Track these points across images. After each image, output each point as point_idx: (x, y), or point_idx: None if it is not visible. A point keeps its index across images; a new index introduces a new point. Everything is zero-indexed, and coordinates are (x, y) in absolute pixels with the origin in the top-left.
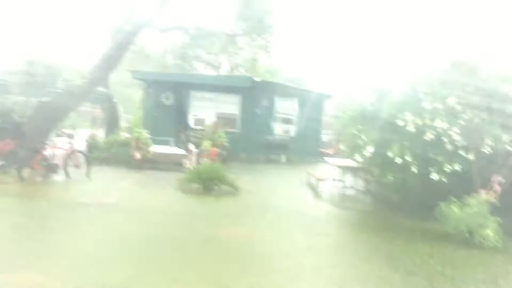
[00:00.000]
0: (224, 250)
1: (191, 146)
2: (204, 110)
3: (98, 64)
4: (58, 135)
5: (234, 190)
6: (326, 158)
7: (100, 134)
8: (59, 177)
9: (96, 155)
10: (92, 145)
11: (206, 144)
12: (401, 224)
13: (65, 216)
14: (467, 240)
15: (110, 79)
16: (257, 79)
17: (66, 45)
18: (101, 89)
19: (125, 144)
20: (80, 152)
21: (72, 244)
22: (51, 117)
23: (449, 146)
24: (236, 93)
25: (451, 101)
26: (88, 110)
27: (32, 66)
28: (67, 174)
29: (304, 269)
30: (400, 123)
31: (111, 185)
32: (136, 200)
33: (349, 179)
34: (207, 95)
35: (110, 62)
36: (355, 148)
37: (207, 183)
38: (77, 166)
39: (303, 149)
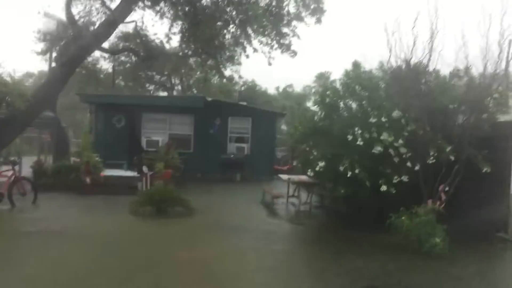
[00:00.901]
0: (176, 272)
1: (144, 169)
2: (157, 132)
3: (42, 88)
4: (2, 163)
5: (188, 211)
6: (280, 175)
7: (50, 160)
8: (3, 206)
9: (44, 181)
10: (39, 172)
11: (159, 165)
12: (354, 238)
13: (6, 246)
14: (417, 249)
15: (60, 103)
16: (209, 99)
17: (6, 68)
18: (48, 113)
19: (75, 169)
20: (26, 179)
21: (12, 276)
22: None
23: (396, 158)
24: (189, 113)
25: (396, 114)
26: (36, 136)
27: None
28: (12, 202)
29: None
30: (349, 137)
31: (59, 212)
32: (85, 226)
33: (303, 195)
34: (159, 116)
35: (55, 85)
36: (307, 163)
37: (160, 205)
38: (22, 194)
39: (258, 167)
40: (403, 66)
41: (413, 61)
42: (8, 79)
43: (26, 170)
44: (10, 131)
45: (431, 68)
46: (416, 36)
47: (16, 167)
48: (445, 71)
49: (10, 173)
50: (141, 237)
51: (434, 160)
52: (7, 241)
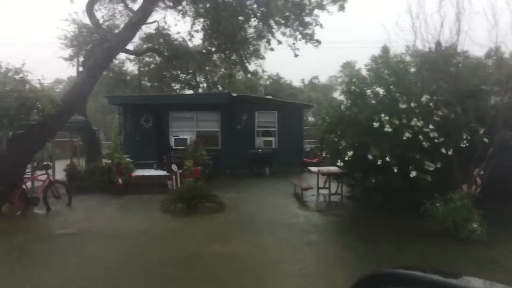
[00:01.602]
0: (210, 267)
1: (174, 167)
2: (185, 130)
3: (72, 92)
4: (36, 168)
5: (219, 206)
6: (310, 167)
7: (82, 163)
8: (39, 209)
9: (77, 184)
10: (72, 175)
11: (188, 163)
12: (387, 226)
13: (46, 247)
14: (454, 235)
15: (89, 106)
16: (235, 94)
17: (37, 73)
18: (79, 117)
19: (107, 170)
20: (60, 182)
21: (54, 276)
22: (27, 150)
23: (426, 143)
24: (215, 110)
25: (425, 99)
26: (67, 139)
27: (3, 100)
28: (47, 206)
29: (294, 280)
30: (376, 124)
31: (94, 213)
32: (119, 225)
33: (333, 185)
34: (186, 114)
35: (84, 89)
36: (336, 154)
37: (191, 202)
38: (57, 197)
39: (287, 160)
40: (432, 49)
41: (442, 43)
42: (37, 85)
43: (60, 173)
44: (42, 136)
45: (459, 50)
46: (443, 17)
47: (50, 171)
48: (475, 51)
49: (44, 177)
50: (175, 233)
51: (467, 144)
52: (47, 243)
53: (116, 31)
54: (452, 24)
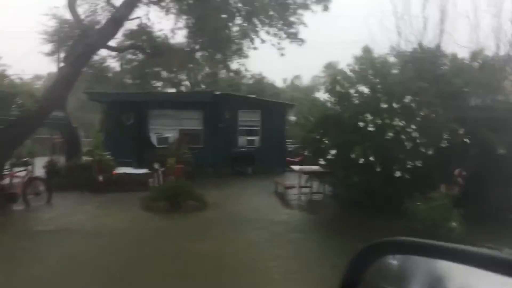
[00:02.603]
0: (192, 265)
1: (156, 165)
2: (167, 128)
3: (52, 88)
4: (15, 164)
5: (201, 205)
6: (292, 166)
7: (62, 160)
8: (18, 206)
9: (57, 181)
10: (52, 172)
11: (171, 161)
12: (369, 224)
13: (24, 245)
14: (434, 233)
15: (69, 103)
16: (218, 93)
17: (17, 68)
18: (58, 114)
19: (87, 168)
20: (40, 179)
21: (33, 274)
22: (6, 146)
23: (408, 143)
24: (198, 108)
25: (407, 99)
26: (47, 136)
27: None
28: (26, 202)
29: (275, 278)
30: (360, 124)
31: (74, 210)
32: (100, 223)
33: (316, 184)
34: (169, 112)
35: (64, 85)
36: (319, 152)
37: (173, 200)
38: (37, 194)
39: (269, 159)
40: (417, 50)
41: (426, 44)
42: (17, 80)
43: (39, 171)
44: (22, 133)
45: (444, 51)
46: (426, 19)
47: (30, 168)
48: (459, 53)
49: (23, 173)
50: (157, 231)
51: (447, 144)
52: (25, 240)
53: (98, 27)
54: (435, 26)
